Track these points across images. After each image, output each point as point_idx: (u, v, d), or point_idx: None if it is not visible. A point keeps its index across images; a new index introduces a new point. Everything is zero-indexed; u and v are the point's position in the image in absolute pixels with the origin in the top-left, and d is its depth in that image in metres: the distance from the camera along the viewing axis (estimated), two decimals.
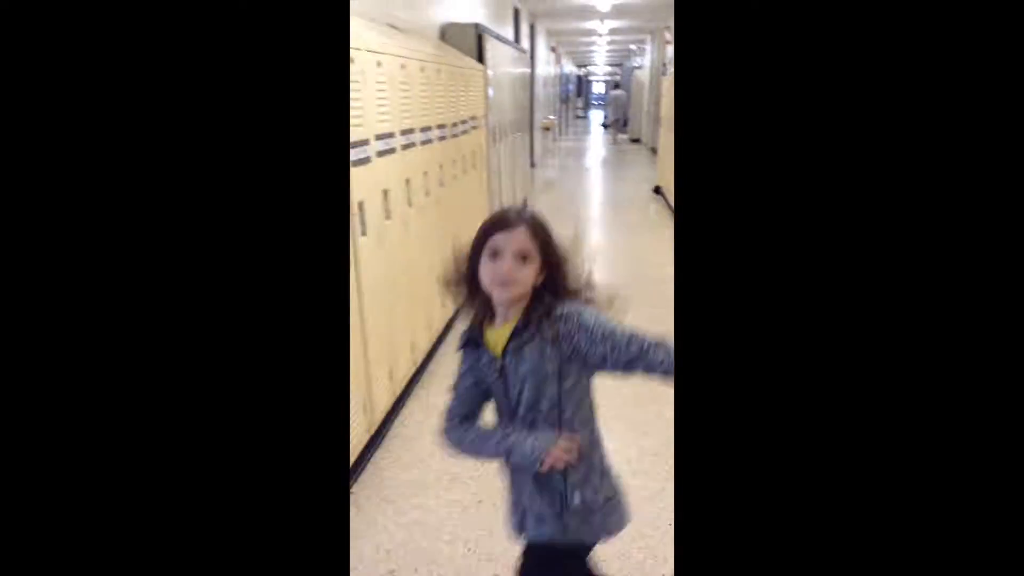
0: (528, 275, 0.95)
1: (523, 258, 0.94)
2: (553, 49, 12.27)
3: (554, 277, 0.98)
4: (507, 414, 1.01)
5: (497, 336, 0.98)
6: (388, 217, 2.15)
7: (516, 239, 0.94)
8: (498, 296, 0.96)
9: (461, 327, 1.05)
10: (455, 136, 3.09)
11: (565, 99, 16.93)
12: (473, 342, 1.01)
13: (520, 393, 0.97)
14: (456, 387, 1.04)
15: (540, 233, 0.97)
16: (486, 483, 1.90)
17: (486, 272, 0.95)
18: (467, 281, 0.99)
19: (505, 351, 0.96)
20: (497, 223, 0.97)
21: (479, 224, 1.00)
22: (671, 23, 8.77)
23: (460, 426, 1.04)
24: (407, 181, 2.36)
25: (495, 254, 0.94)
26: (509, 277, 0.93)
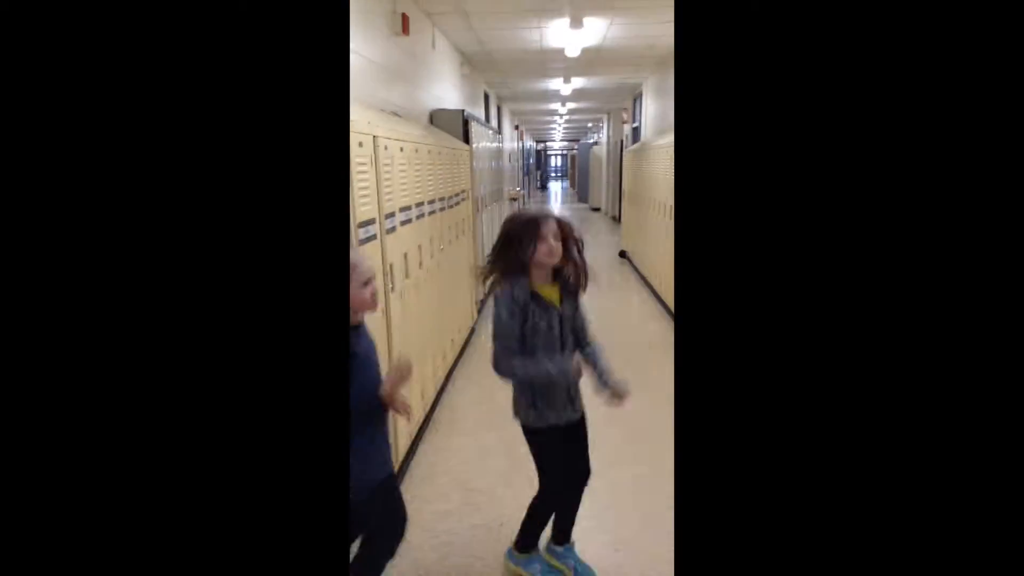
0: (560, 250, 1.50)
1: (555, 239, 1.50)
2: (517, 127, 13.17)
3: (569, 255, 1.55)
4: (550, 344, 1.54)
5: (550, 292, 1.55)
6: (407, 276, 2.46)
7: (552, 227, 1.51)
8: (547, 264, 1.51)
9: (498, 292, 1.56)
10: (452, 207, 3.47)
11: (527, 172, 17.90)
12: (528, 297, 1.51)
13: (563, 329, 1.56)
14: (503, 334, 1.52)
15: (561, 224, 1.54)
16: (502, 509, 2.12)
17: (541, 249, 1.49)
18: (517, 258, 1.50)
19: (562, 301, 1.56)
20: (538, 218, 1.51)
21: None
22: (628, 104, 9.66)
23: (511, 357, 1.53)
24: (419, 247, 2.69)
25: (542, 238, 1.49)
26: (556, 251, 1.49)
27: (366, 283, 1.38)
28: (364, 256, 1.55)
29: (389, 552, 1.56)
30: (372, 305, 1.39)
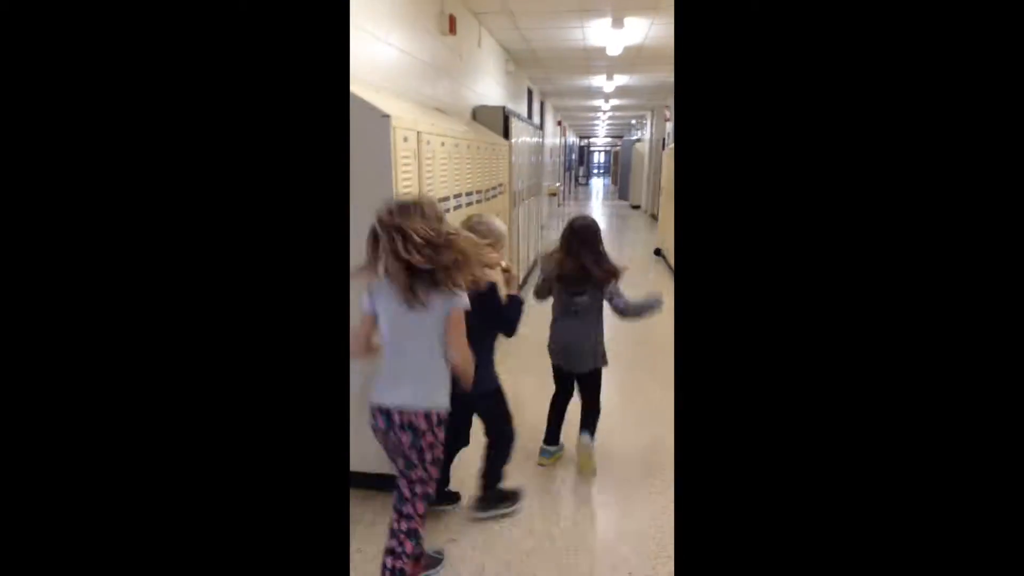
0: None
1: None
2: (559, 123, 13.26)
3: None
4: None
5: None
6: None
7: None
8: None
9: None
10: (488, 199, 3.65)
11: (568, 167, 17.97)
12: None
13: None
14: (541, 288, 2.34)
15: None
16: (517, 481, 2.30)
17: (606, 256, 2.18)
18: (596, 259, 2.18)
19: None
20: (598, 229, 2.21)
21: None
22: (670, 102, 9.64)
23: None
24: None
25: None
26: None
27: (495, 244, 1.77)
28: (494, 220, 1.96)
29: (507, 456, 1.99)
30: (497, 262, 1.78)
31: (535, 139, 6.69)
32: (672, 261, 6.30)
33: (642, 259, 7.46)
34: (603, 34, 5.15)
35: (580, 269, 2.13)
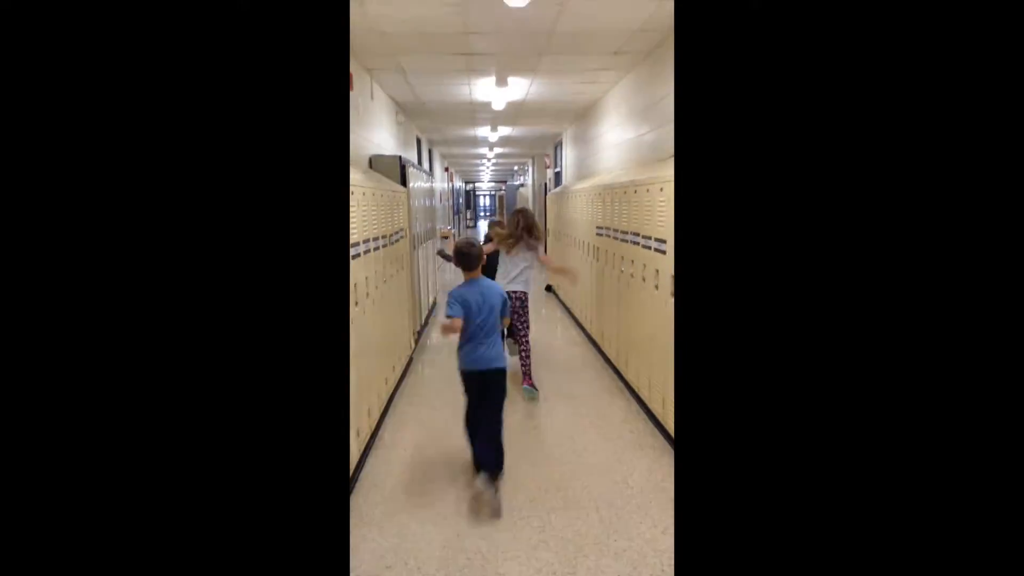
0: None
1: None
2: (447, 169, 13.70)
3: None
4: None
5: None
6: (355, 304, 2.77)
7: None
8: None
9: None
10: (393, 243, 3.81)
11: (457, 211, 18.43)
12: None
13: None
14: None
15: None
16: (444, 502, 2.43)
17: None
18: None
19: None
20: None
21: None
22: (550, 151, 10.40)
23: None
24: (366, 278, 3.01)
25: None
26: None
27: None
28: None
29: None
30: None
31: (428, 184, 6.95)
32: (561, 295, 6.74)
33: (535, 295, 7.88)
34: (488, 91, 5.58)
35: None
